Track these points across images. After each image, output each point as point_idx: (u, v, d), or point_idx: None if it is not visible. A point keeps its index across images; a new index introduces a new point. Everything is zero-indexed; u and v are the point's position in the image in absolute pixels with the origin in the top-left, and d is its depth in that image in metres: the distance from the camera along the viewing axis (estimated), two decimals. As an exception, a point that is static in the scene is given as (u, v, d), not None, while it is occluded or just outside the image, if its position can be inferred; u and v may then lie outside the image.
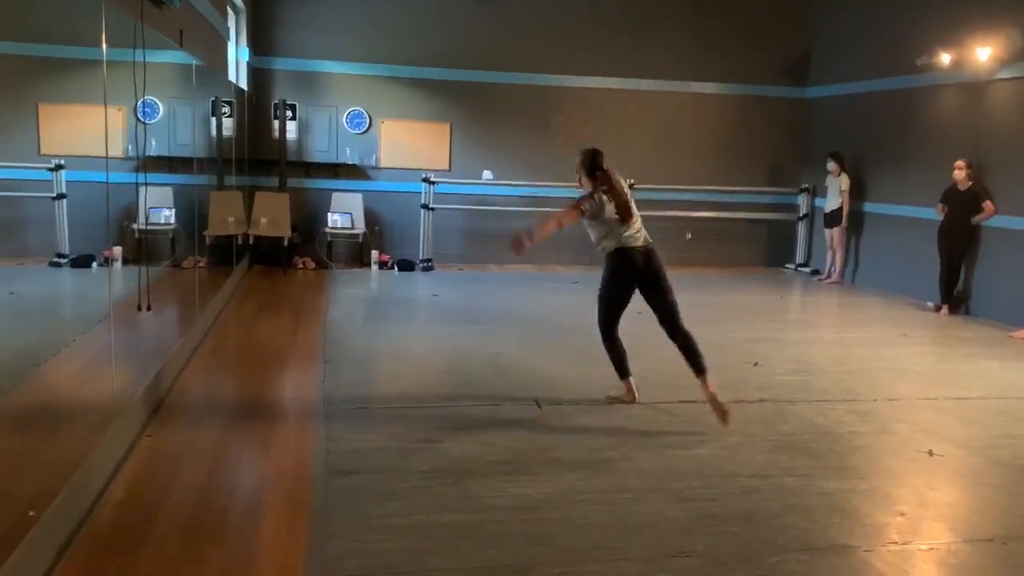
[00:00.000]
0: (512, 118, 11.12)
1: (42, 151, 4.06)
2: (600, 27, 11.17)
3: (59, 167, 4.18)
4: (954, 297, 8.79)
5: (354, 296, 8.86)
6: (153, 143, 6.11)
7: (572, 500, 3.71)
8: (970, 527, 3.66)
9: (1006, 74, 8.45)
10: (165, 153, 6.48)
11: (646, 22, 11.25)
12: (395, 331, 7.19)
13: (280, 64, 10.59)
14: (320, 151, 10.73)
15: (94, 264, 5.04)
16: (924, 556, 3.33)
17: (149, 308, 4.81)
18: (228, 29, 9.13)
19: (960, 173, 8.60)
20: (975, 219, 8.56)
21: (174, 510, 3.46)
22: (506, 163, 11.07)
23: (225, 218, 8.43)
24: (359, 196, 10.67)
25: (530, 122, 11.16)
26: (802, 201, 11.67)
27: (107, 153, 3.97)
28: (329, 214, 10.50)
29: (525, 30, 11.01)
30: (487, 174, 11.01)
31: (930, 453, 4.47)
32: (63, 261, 4.45)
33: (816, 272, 11.19)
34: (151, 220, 6.32)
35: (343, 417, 4.68)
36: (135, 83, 4.47)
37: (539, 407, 5.02)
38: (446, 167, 10.97)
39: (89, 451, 3.53)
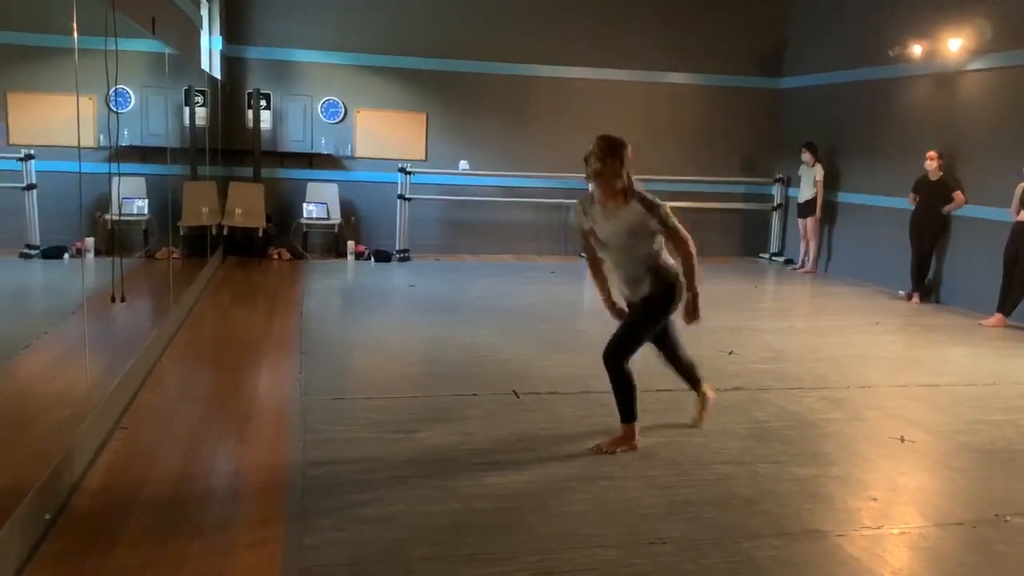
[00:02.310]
0: (489, 108, 11.11)
1: (11, 140, 3.99)
2: (577, 17, 11.17)
3: (29, 157, 4.12)
4: (925, 286, 8.92)
5: (330, 287, 8.82)
6: (125, 133, 6.03)
7: (550, 489, 3.73)
8: (940, 511, 3.73)
9: (976, 65, 8.56)
10: (138, 143, 6.41)
11: (622, 12, 11.27)
12: (372, 322, 7.18)
13: (254, 53, 10.49)
14: (295, 141, 10.66)
15: (65, 255, 4.98)
16: (896, 540, 3.39)
17: (123, 299, 4.76)
18: (201, 17, 9.03)
19: (931, 164, 8.71)
20: (946, 209, 8.68)
21: (150, 502, 3.44)
22: (483, 153, 11.06)
23: (199, 209, 8.36)
24: (334, 186, 10.62)
25: (507, 112, 11.16)
26: (776, 191, 11.77)
27: (79, 143, 3.92)
28: (304, 204, 10.44)
29: (502, 20, 10.98)
30: (464, 164, 11.00)
31: (901, 439, 4.54)
32: (33, 253, 4.39)
33: (790, 262, 11.31)
34: (124, 211, 6.25)
35: (320, 408, 4.67)
36: (107, 72, 4.41)
37: (517, 397, 5.03)
38: (422, 157, 10.95)
39: (63, 444, 3.50)
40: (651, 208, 3.90)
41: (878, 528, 3.48)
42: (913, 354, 6.77)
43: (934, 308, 8.69)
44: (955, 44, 8.64)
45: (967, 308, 8.36)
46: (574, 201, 4.23)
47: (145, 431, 4.27)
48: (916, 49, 9.15)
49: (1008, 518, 3.59)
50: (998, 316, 7.78)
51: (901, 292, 9.08)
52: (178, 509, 3.39)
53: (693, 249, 4.00)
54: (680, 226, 3.96)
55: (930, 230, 8.81)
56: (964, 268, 8.66)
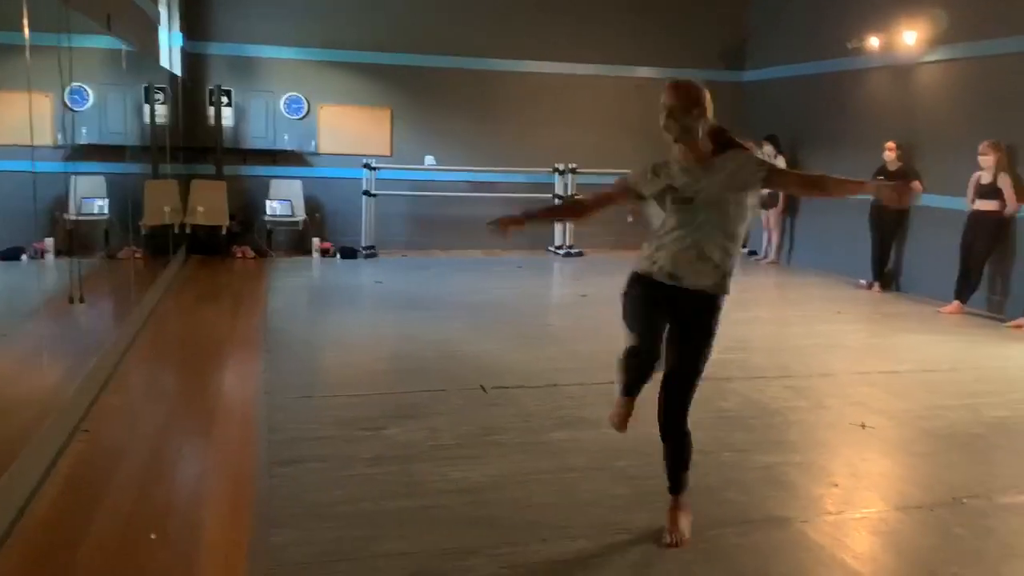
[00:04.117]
0: (454, 103, 11.08)
1: (-36, 140, 3.93)
2: (541, 12, 11.17)
3: (-18, 156, 4.05)
4: (885, 275, 9.07)
5: (295, 285, 8.76)
6: (84, 131, 5.94)
7: (517, 482, 3.74)
8: (900, 495, 3.81)
9: (932, 57, 8.71)
10: (97, 141, 6.32)
11: (587, 7, 11.29)
12: (338, 319, 7.14)
13: (215, 49, 10.36)
14: (257, 137, 10.55)
15: (24, 256, 4.90)
16: (857, 525, 3.45)
17: (82, 300, 4.70)
18: (159, 13, 8.91)
19: (890, 154, 8.85)
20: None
21: (113, 504, 3.40)
22: (449, 148, 11.03)
23: (161, 207, 8.26)
24: (298, 183, 10.53)
25: (472, 107, 11.14)
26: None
27: (32, 141, 3.85)
28: (268, 202, 10.33)
29: (466, 14, 10.95)
30: (429, 159, 10.96)
31: (862, 426, 4.62)
32: (-10, 254, 4.32)
33: (753, 253, 11.42)
34: (83, 210, 6.17)
35: (285, 407, 4.64)
36: (60, 69, 4.34)
37: (485, 391, 5.04)
38: (387, 152, 10.89)
39: (22, 447, 3.45)
40: (761, 164, 3.11)
41: (840, 513, 3.54)
42: (874, 342, 6.89)
43: (894, 296, 8.84)
44: (911, 37, 8.78)
45: (926, 296, 8.51)
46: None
47: (108, 433, 4.22)
48: (874, 42, 9.29)
49: (965, 500, 3.67)
50: (956, 303, 7.94)
51: (862, 281, 9.22)
52: (142, 512, 3.36)
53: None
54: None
55: (889, 220, 8.96)
56: (923, 257, 8.82)
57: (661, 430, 3.21)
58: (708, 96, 3.07)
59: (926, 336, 7.01)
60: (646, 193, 3.21)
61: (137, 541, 3.11)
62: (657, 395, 3.19)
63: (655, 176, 3.18)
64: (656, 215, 3.19)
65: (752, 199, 3.12)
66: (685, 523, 3.23)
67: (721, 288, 3.13)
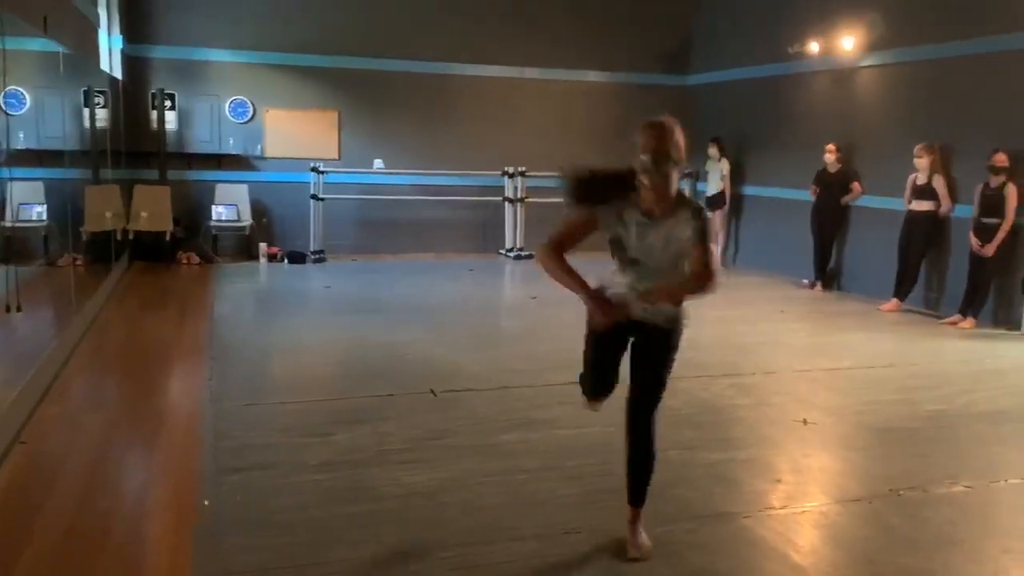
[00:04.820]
0: (403, 106, 11.06)
1: None
2: (489, 16, 11.21)
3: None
4: (827, 274, 9.28)
5: (242, 290, 8.65)
6: (21, 136, 5.81)
7: (467, 484, 3.75)
8: (840, 489, 3.91)
9: (869, 62, 8.95)
10: (34, 146, 6.18)
11: (534, 12, 11.36)
12: (286, 325, 7.07)
13: (157, 52, 10.18)
14: (202, 141, 10.39)
15: (-43, 265, 4.76)
16: (799, 519, 3.54)
17: (19, 309, 4.58)
18: (99, 15, 8.72)
19: (831, 156, 9.07)
20: (844, 200, 9.06)
21: (52, 516, 3.32)
22: (398, 151, 11.00)
23: (102, 213, 8.09)
24: (244, 187, 10.39)
25: (422, 110, 11.12)
26: (686, 185, 12.03)
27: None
28: (213, 207, 10.19)
29: (413, 18, 10.93)
30: (378, 163, 10.91)
31: (804, 422, 4.73)
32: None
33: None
34: (21, 217, 6.02)
35: (232, 414, 4.58)
36: (-6, 72, 4.24)
37: (435, 395, 5.04)
38: (336, 156, 10.82)
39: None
40: (698, 214, 3.00)
41: (784, 508, 3.63)
42: (816, 340, 7.05)
43: (836, 295, 9.06)
44: (849, 42, 9.02)
45: (866, 294, 8.74)
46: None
47: (47, 445, 4.12)
48: (814, 46, 9.51)
49: (901, 492, 3.79)
50: (894, 301, 8.17)
51: (805, 281, 9.42)
52: (83, 523, 3.29)
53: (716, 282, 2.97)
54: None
55: (830, 220, 9.18)
56: (863, 256, 9.05)
57: (629, 445, 3.21)
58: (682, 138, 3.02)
59: (866, 333, 7.19)
60: (604, 230, 3.09)
61: (78, 553, 3.05)
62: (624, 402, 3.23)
63: (619, 219, 3.06)
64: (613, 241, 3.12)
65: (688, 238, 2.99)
66: (646, 535, 3.24)
67: (676, 322, 3.14)
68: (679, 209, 3.01)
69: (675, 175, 2.99)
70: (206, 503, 3.45)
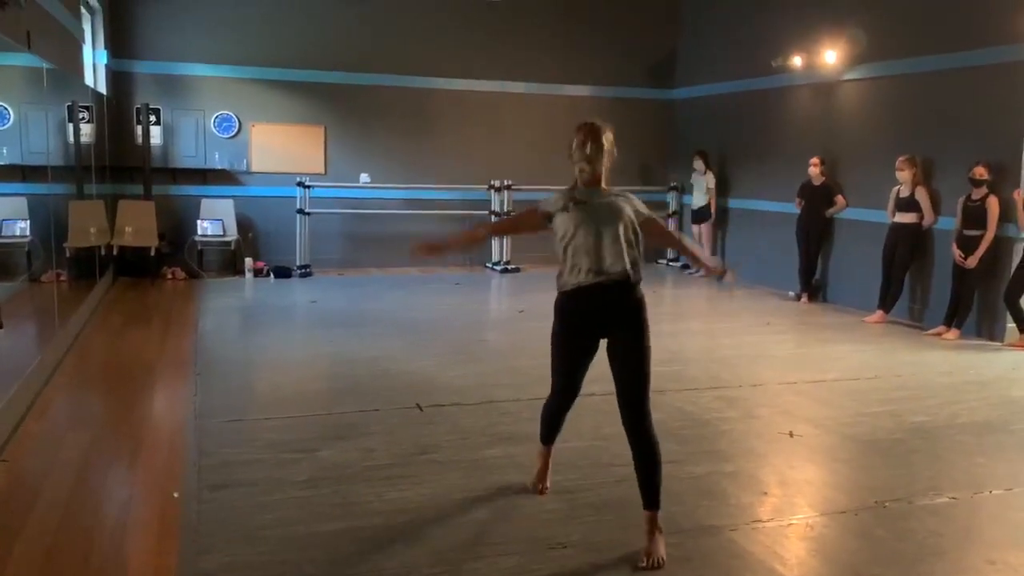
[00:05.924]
0: (389, 120, 11.08)
1: None
2: (474, 30, 11.26)
3: None
4: (812, 286, 9.33)
5: (227, 306, 8.61)
6: (4, 151, 5.79)
7: (452, 500, 3.74)
8: (827, 502, 3.91)
9: (852, 75, 9.03)
10: (18, 161, 6.15)
11: (519, 26, 11.42)
12: (271, 340, 7.04)
13: (142, 67, 10.16)
14: (188, 156, 10.37)
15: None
16: (786, 531, 3.54)
17: (1, 326, 4.55)
18: (83, 31, 8.71)
19: (815, 169, 9.13)
20: (829, 212, 9.12)
21: (34, 534, 3.29)
22: (384, 165, 11.02)
23: (86, 228, 8.04)
24: (230, 202, 10.37)
25: (407, 124, 11.15)
26: (671, 199, 12.10)
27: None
28: (199, 222, 10.15)
29: (398, 32, 10.97)
30: (365, 177, 10.92)
31: (790, 434, 4.74)
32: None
33: (686, 267, 11.63)
34: (4, 233, 5.98)
35: (216, 430, 4.55)
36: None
37: (420, 410, 5.02)
38: (322, 171, 10.81)
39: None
40: (627, 197, 3.56)
41: (769, 521, 3.63)
42: (802, 352, 7.08)
43: (821, 307, 9.10)
44: (832, 56, 9.10)
45: (851, 306, 8.78)
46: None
47: (28, 462, 4.08)
48: (797, 60, 9.59)
49: (886, 504, 3.80)
50: (879, 312, 8.21)
51: (791, 293, 9.47)
52: (64, 542, 3.25)
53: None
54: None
55: (815, 232, 9.23)
56: (848, 268, 9.11)
57: (632, 446, 3.36)
58: (611, 135, 3.52)
59: (851, 345, 7.22)
60: (553, 209, 3.48)
61: (60, 572, 3.02)
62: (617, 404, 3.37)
63: (560, 196, 3.53)
64: (560, 226, 3.43)
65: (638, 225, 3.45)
66: (662, 543, 3.24)
67: (636, 273, 3.36)
68: (612, 195, 3.49)
69: (603, 160, 3.47)
70: (176, 495, 3.50)
